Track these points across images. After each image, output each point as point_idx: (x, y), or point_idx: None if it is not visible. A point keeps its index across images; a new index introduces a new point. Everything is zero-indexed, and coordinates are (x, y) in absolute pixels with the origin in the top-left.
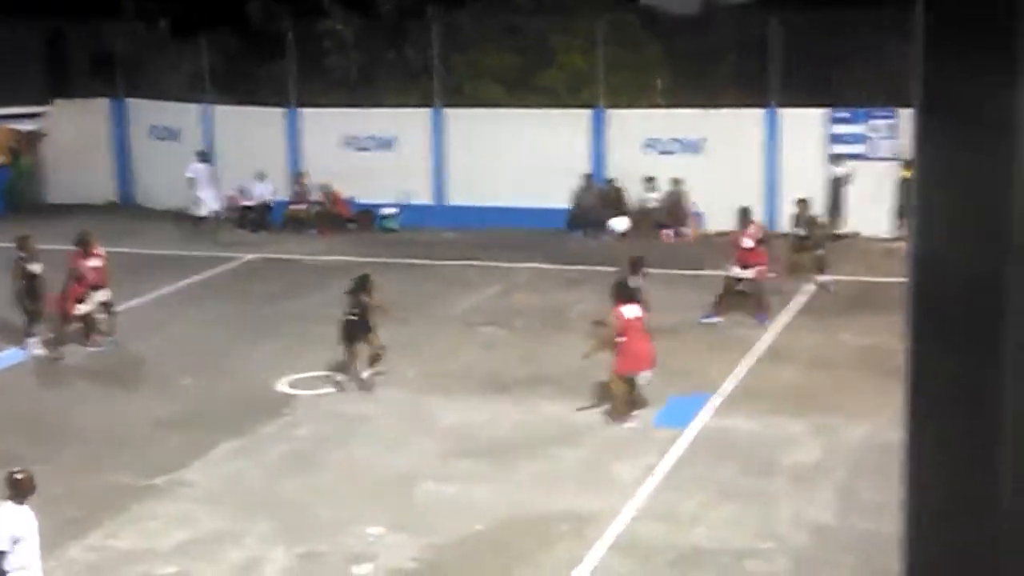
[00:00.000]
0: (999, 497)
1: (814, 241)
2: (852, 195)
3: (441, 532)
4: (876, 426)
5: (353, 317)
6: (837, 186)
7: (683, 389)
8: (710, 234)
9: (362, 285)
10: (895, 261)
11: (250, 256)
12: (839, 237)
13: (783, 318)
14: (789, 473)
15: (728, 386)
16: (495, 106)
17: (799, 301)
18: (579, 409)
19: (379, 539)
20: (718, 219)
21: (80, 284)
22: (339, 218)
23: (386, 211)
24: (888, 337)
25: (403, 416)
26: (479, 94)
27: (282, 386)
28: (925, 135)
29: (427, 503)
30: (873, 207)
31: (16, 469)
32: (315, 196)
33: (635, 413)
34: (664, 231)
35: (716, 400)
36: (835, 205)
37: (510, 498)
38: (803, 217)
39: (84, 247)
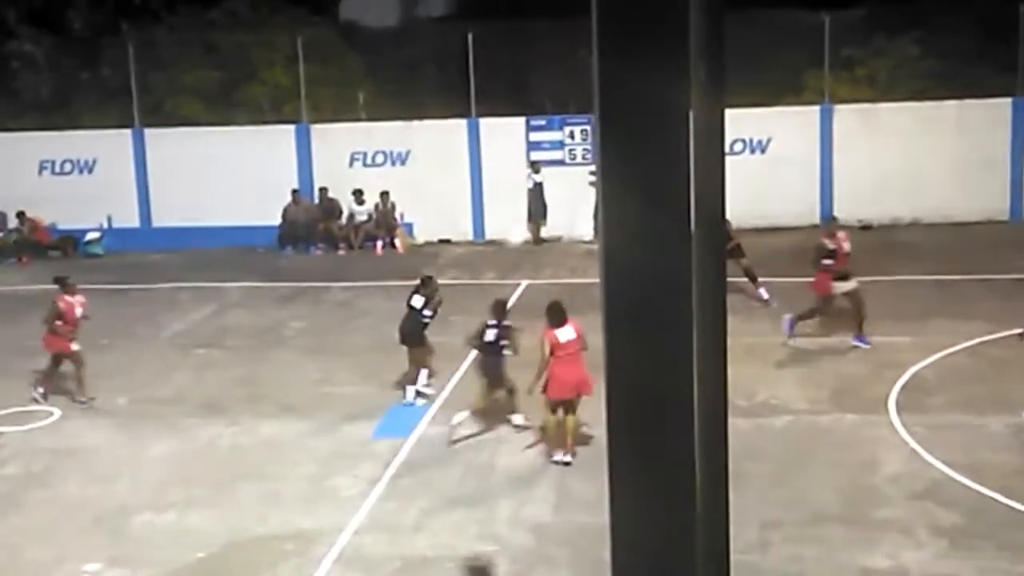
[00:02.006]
0: (693, 479)
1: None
2: (552, 200)
3: (161, 563)
4: (586, 422)
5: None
6: (536, 193)
7: (401, 399)
8: (419, 244)
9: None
10: (595, 262)
11: None
12: (542, 241)
13: None
14: (506, 474)
15: (445, 393)
16: (197, 124)
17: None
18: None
19: None
20: (427, 230)
21: None
22: (39, 245)
23: (89, 236)
24: (593, 336)
25: (115, 446)
26: (180, 112)
27: None
28: (605, 138)
29: (145, 534)
30: (573, 211)
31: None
32: (12, 224)
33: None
34: (375, 243)
35: (434, 408)
36: (536, 210)
37: (231, 522)
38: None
39: None
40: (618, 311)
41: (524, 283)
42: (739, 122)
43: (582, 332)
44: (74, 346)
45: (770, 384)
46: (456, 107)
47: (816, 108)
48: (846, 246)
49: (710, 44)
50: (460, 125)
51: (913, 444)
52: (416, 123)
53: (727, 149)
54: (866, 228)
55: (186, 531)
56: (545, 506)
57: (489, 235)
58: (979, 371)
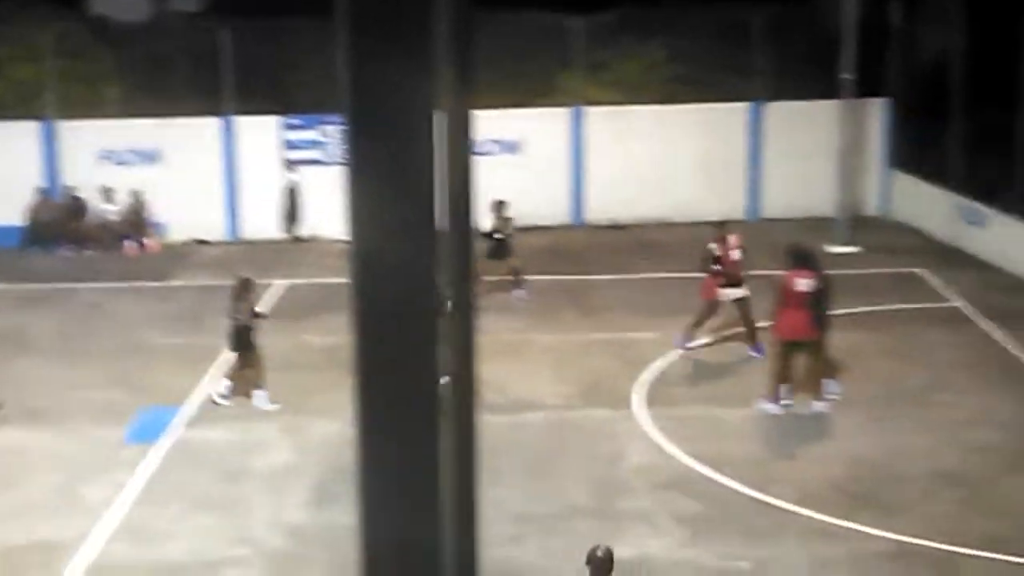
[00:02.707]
0: (441, 475)
1: (510, 247)
2: (309, 199)
3: None
4: (344, 422)
5: None
6: (292, 192)
7: (151, 403)
8: (174, 244)
9: None
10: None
11: None
12: (298, 241)
13: None
14: (263, 477)
15: (199, 397)
16: None
17: (264, 305)
18: None
19: None
20: (180, 230)
21: None
22: None
23: None
24: (349, 336)
25: None
26: None
27: None
28: (352, 136)
29: None
30: (329, 211)
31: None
32: None
33: None
34: (126, 243)
35: (188, 411)
36: (291, 211)
37: None
38: (502, 220)
39: None
40: (365, 308)
41: (282, 283)
42: (492, 123)
43: None
44: None
45: (524, 380)
46: (210, 105)
47: (568, 110)
48: (734, 254)
49: (458, 44)
50: (214, 123)
51: (659, 437)
52: (168, 121)
53: (481, 149)
54: (617, 228)
55: None
56: (302, 508)
57: (245, 235)
58: (720, 365)
